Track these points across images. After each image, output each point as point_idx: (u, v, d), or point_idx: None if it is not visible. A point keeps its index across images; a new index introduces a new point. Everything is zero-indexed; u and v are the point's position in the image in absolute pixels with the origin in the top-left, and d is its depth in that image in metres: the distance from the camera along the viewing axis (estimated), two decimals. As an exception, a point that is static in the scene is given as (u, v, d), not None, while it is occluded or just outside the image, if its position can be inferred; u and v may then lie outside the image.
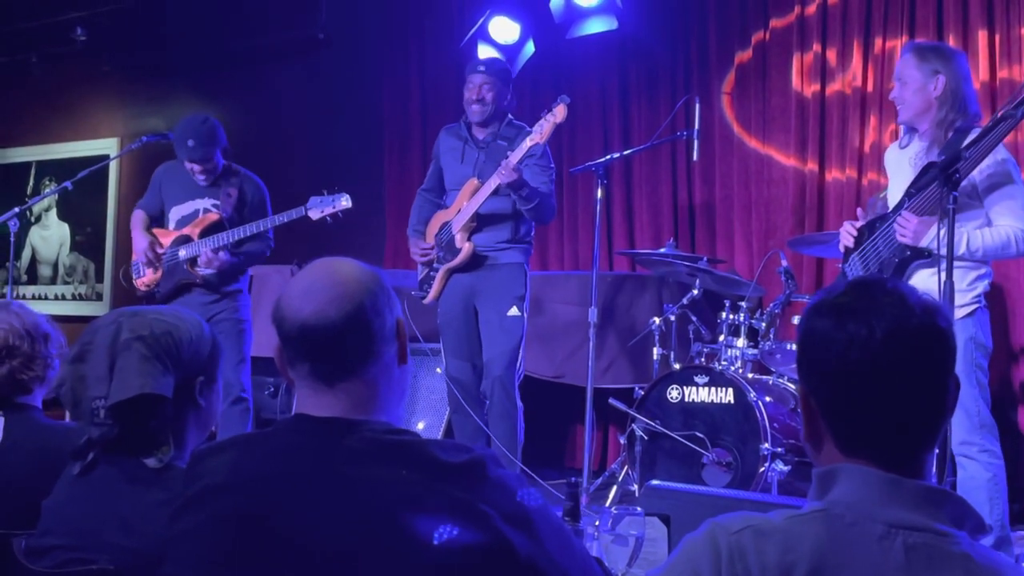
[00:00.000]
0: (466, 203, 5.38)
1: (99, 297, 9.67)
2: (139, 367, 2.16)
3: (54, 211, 10.05)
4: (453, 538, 1.63)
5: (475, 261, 5.40)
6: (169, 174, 5.85)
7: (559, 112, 5.18)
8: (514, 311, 5.32)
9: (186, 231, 5.65)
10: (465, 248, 5.37)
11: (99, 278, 9.71)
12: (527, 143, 5.21)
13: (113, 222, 9.59)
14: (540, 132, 5.20)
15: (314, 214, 5.51)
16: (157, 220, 5.82)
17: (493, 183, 5.25)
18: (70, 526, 2.12)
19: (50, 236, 10.08)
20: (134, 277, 5.81)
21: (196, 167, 5.62)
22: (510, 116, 5.54)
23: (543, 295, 6.46)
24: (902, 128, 4.44)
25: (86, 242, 9.84)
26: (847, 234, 4.43)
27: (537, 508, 1.73)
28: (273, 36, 8.49)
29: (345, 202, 5.50)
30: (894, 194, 4.30)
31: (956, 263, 4.05)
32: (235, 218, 5.61)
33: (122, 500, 2.12)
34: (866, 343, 1.54)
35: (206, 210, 5.66)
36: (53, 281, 10.03)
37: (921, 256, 4.17)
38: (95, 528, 2.09)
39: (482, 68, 5.47)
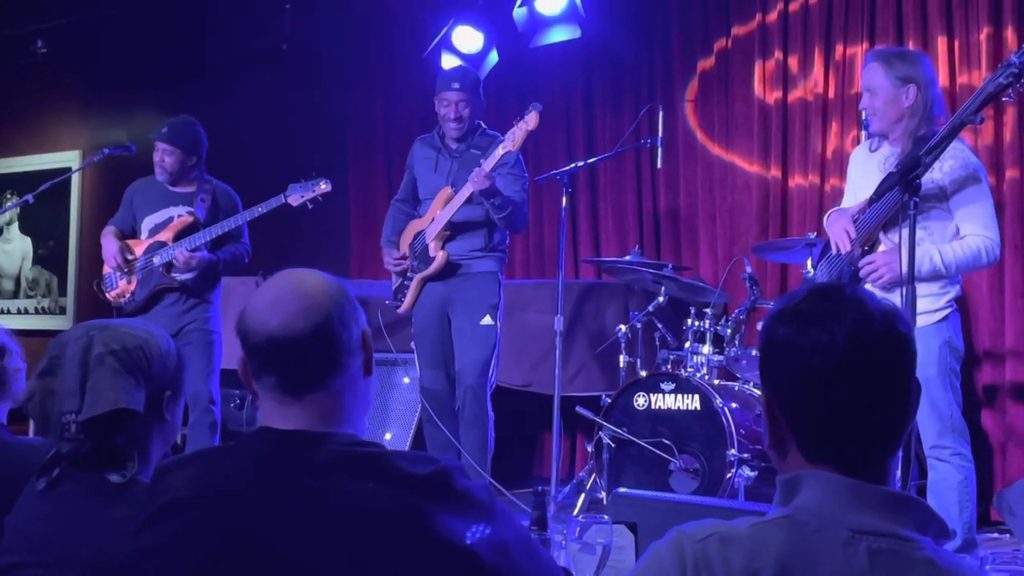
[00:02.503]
0: (439, 212, 5.38)
1: (62, 311, 9.60)
2: (112, 382, 2.15)
3: (16, 225, 9.97)
4: (419, 550, 1.63)
5: (449, 270, 5.40)
6: (140, 188, 5.81)
7: (531, 119, 5.19)
8: (487, 320, 5.31)
9: (160, 237, 5.60)
10: (439, 257, 5.37)
11: (62, 291, 9.64)
12: (500, 151, 5.22)
13: (76, 235, 9.53)
14: (513, 139, 5.21)
15: (294, 200, 5.49)
16: (129, 237, 5.77)
17: (466, 191, 5.25)
18: (33, 542, 2.10)
19: (12, 250, 10.00)
20: (106, 290, 5.75)
21: (158, 155, 5.58)
22: (483, 126, 5.54)
23: (510, 304, 6.46)
24: (864, 133, 4.45)
25: (49, 256, 9.77)
26: (843, 234, 4.22)
27: (503, 519, 1.74)
28: (236, 47, 8.47)
29: (324, 186, 5.49)
30: (860, 195, 4.30)
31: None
32: (210, 221, 5.58)
33: (86, 516, 2.10)
34: (827, 349, 1.55)
35: (180, 215, 5.62)
36: (15, 295, 9.95)
37: None
38: (59, 544, 2.07)
39: (456, 85, 5.42)
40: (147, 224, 5.70)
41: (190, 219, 5.57)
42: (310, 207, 5.51)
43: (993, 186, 5.66)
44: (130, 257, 5.64)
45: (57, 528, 2.10)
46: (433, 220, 5.40)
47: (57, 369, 2.19)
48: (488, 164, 5.20)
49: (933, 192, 4.02)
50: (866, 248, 4.23)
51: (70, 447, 2.15)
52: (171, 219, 5.63)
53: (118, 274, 5.67)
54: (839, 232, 4.25)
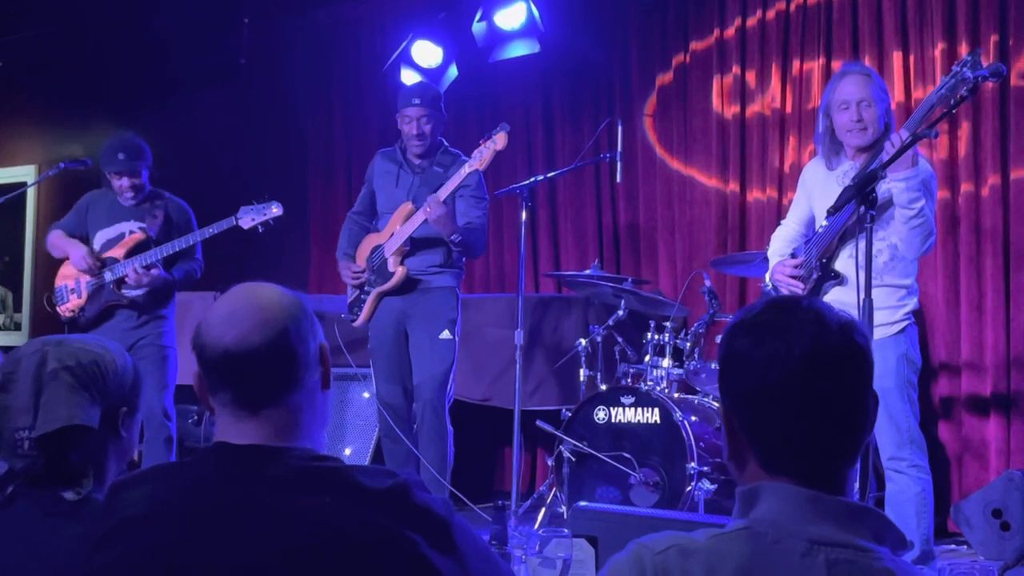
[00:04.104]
0: (399, 227, 5.35)
1: (17, 327, 9.49)
2: (66, 398, 2.12)
3: (-30, 240, 9.85)
4: (378, 566, 1.62)
5: (407, 285, 5.37)
6: (95, 200, 5.76)
7: (500, 139, 5.15)
8: (446, 334, 5.30)
9: (111, 253, 5.56)
10: (398, 272, 5.34)
11: (17, 307, 9.53)
12: (465, 169, 5.18)
13: (31, 250, 9.42)
14: (480, 159, 5.17)
15: (245, 223, 5.46)
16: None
17: (420, 217, 5.23)
18: (-14, 562, 2.07)
19: (-34, 266, 9.88)
20: (57, 303, 5.69)
21: (125, 183, 5.54)
22: (445, 143, 5.52)
23: (470, 318, 6.46)
24: (819, 148, 4.47)
25: (4, 271, 9.66)
26: (792, 281, 4.39)
27: (463, 533, 1.73)
28: (194, 61, 8.41)
29: (276, 209, 5.47)
30: (821, 211, 4.32)
31: (884, 282, 4.13)
32: (162, 238, 5.54)
33: (39, 534, 2.07)
34: (785, 361, 1.55)
35: (132, 232, 5.58)
36: (-30, 311, 9.83)
37: (829, 277, 4.23)
38: (11, 563, 2.04)
39: (417, 101, 5.38)
40: (99, 239, 5.64)
41: (141, 236, 5.54)
42: (261, 230, 5.48)
43: (948, 200, 5.74)
44: (99, 263, 5.57)
45: (9, 547, 2.07)
46: (392, 235, 5.38)
47: (10, 385, 2.16)
48: (443, 192, 5.18)
49: (890, 195, 4.05)
50: (824, 260, 4.27)
51: (23, 464, 2.12)
52: (123, 235, 5.59)
53: (69, 287, 5.62)
54: (787, 282, 4.40)
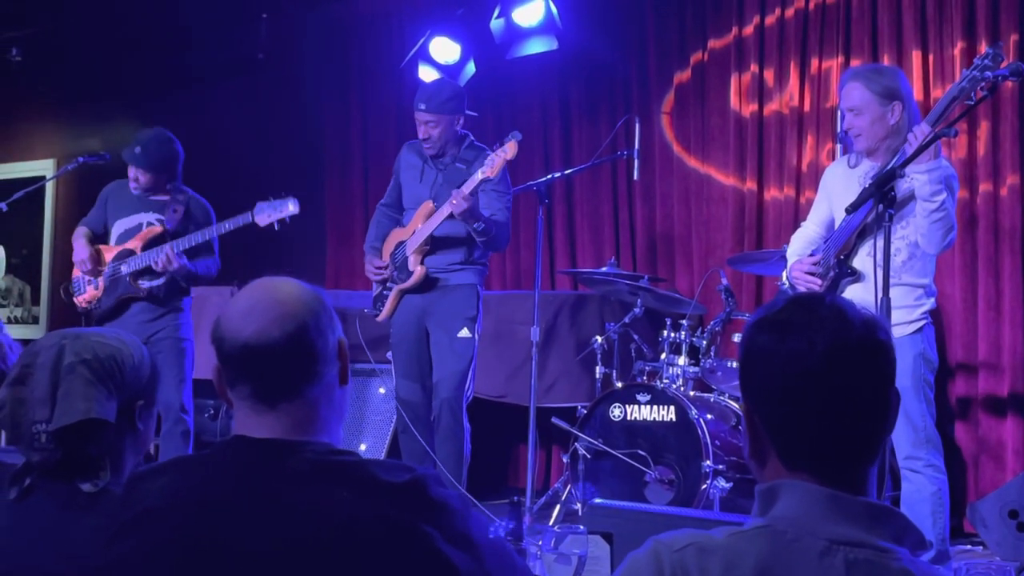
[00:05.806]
0: (420, 226, 5.35)
1: (35, 320, 9.53)
2: (83, 391, 2.12)
3: (-12, 234, 9.90)
4: (395, 560, 1.62)
5: (427, 283, 5.37)
6: (115, 190, 5.77)
7: (510, 149, 5.14)
8: (464, 332, 5.29)
9: (128, 245, 5.56)
10: (417, 271, 5.34)
11: (35, 301, 9.57)
12: (479, 175, 5.17)
13: (49, 244, 9.46)
14: (491, 167, 5.16)
15: (262, 220, 5.42)
16: (100, 238, 5.73)
17: (446, 211, 5.22)
18: (3, 554, 2.07)
19: (-16, 259, 9.92)
20: (74, 294, 5.70)
21: (132, 172, 5.55)
22: (470, 137, 5.50)
23: (486, 314, 6.46)
24: (839, 147, 4.47)
25: (22, 265, 9.70)
26: (809, 278, 4.38)
27: (479, 528, 1.73)
28: (213, 56, 8.44)
29: (292, 207, 5.43)
30: (840, 214, 4.31)
31: (902, 281, 4.11)
32: (179, 232, 5.53)
33: (57, 526, 2.08)
34: (806, 358, 1.55)
35: (149, 223, 5.59)
36: (-12, 304, 9.88)
37: (845, 275, 4.22)
38: (29, 555, 2.05)
39: (422, 106, 5.36)
40: (118, 228, 5.65)
41: (159, 229, 5.54)
42: (277, 227, 5.44)
43: (966, 199, 5.72)
44: (99, 267, 5.60)
45: (27, 539, 2.07)
46: (414, 233, 5.38)
47: (28, 378, 2.17)
48: (467, 187, 5.19)
49: (909, 193, 4.04)
50: (842, 256, 4.26)
51: (40, 457, 2.12)
52: (141, 226, 5.60)
53: (87, 278, 5.64)
54: (804, 279, 4.38)
